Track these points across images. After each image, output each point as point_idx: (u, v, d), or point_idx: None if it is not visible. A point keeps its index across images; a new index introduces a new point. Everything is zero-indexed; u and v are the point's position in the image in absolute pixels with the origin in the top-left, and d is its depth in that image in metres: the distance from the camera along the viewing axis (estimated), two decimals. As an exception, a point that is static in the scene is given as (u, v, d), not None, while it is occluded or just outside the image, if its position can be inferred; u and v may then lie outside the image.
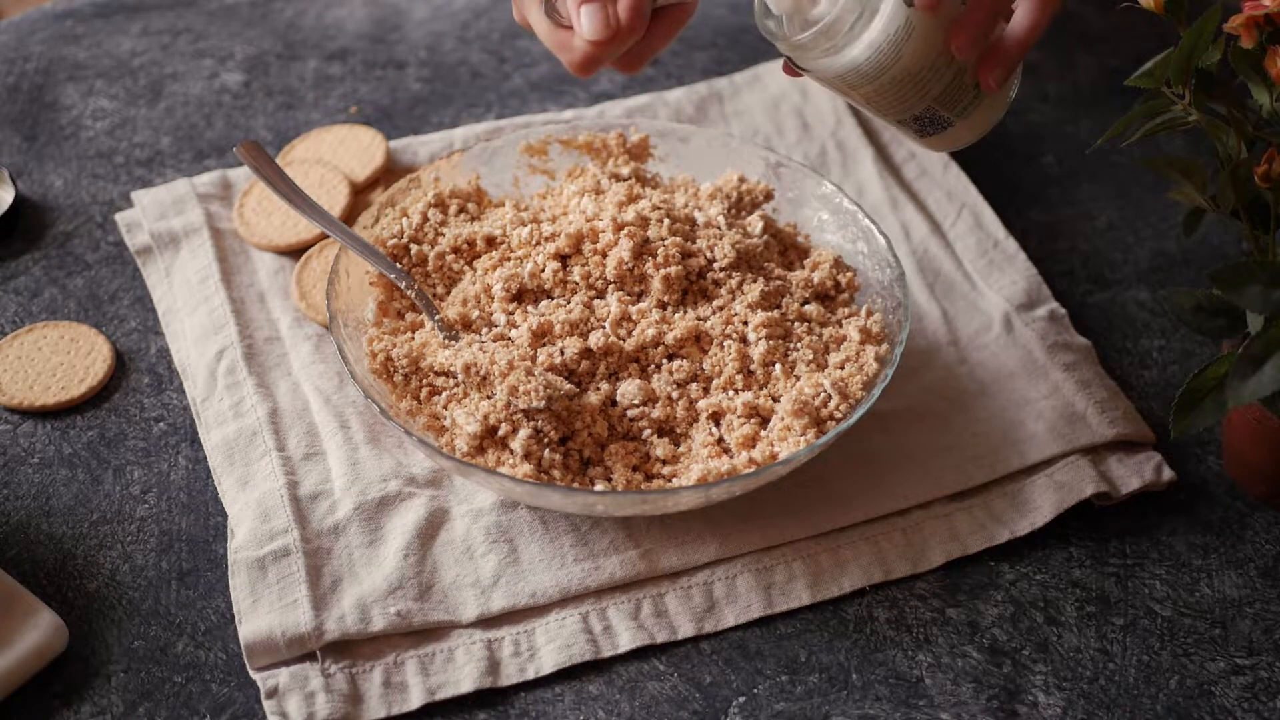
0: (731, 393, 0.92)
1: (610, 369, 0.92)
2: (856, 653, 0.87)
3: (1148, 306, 1.07)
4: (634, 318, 0.93)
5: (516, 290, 0.94)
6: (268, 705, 0.83)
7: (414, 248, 0.98)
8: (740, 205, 1.02)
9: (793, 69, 0.89)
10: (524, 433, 0.87)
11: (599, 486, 0.88)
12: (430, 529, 0.91)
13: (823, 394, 0.90)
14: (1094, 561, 0.91)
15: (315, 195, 1.09)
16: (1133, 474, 0.94)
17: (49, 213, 1.12)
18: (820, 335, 0.95)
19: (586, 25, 0.85)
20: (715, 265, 0.96)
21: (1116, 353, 1.04)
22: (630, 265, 0.94)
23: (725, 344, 0.93)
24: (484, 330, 0.94)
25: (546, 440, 0.88)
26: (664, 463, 0.90)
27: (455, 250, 0.98)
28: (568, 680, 0.85)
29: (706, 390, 0.92)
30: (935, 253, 1.09)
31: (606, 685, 0.85)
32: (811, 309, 0.96)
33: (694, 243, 0.96)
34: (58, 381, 0.99)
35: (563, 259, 0.96)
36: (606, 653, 0.86)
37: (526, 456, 0.88)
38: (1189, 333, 1.04)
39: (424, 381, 0.92)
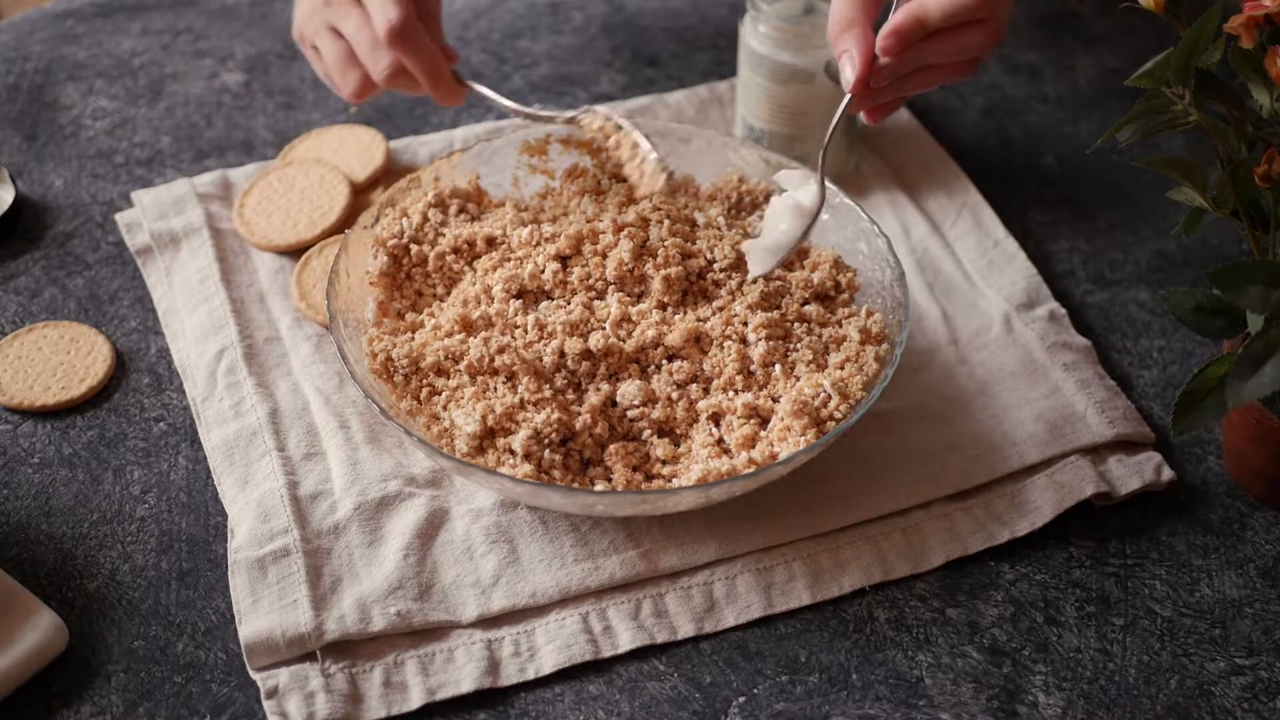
0: (731, 393, 0.92)
1: (610, 370, 0.92)
2: (856, 653, 0.87)
3: (1148, 306, 1.07)
4: (634, 319, 0.93)
5: (517, 291, 0.94)
6: (268, 705, 0.83)
7: (414, 248, 0.98)
8: (740, 205, 1.02)
9: None
10: (524, 433, 0.87)
11: (599, 486, 0.88)
12: (430, 529, 0.91)
13: (822, 394, 0.90)
14: (1094, 561, 0.91)
15: (315, 195, 1.09)
16: (1133, 474, 0.94)
17: (49, 213, 1.12)
18: (820, 335, 0.95)
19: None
20: (715, 266, 0.96)
21: (1116, 353, 1.04)
22: (630, 266, 0.94)
23: (725, 345, 0.93)
24: (486, 330, 0.94)
25: (547, 440, 0.88)
26: (664, 463, 0.90)
27: (455, 250, 0.98)
28: (568, 680, 0.85)
29: (706, 391, 0.92)
30: (935, 253, 1.09)
31: (606, 685, 0.85)
32: (811, 309, 0.96)
33: (694, 243, 0.96)
34: (58, 381, 0.99)
35: (563, 260, 0.96)
36: (606, 653, 0.86)
37: (526, 456, 0.88)
38: (1189, 333, 1.04)
39: (424, 381, 0.92)
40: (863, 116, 0.96)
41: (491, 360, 0.90)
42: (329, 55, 1.00)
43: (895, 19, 0.90)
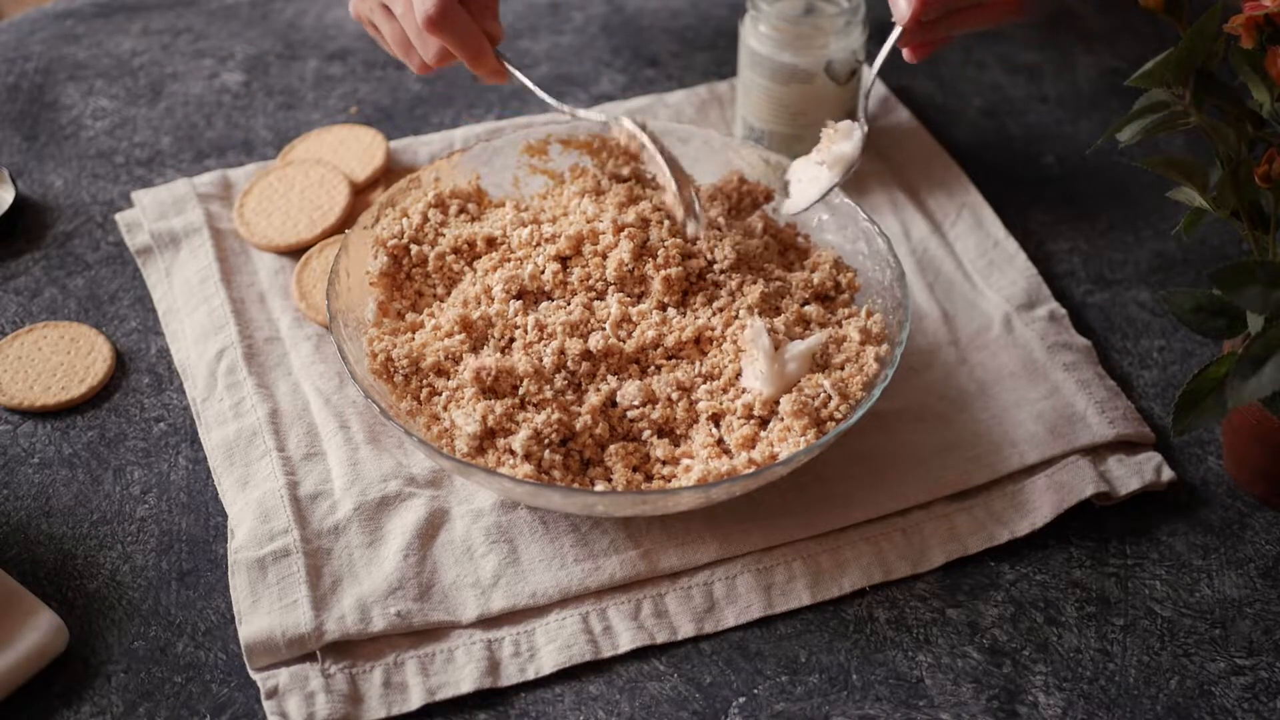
0: (731, 393, 0.92)
1: (610, 370, 0.92)
2: (856, 653, 0.87)
3: (1148, 306, 1.07)
4: (634, 319, 0.93)
5: (517, 291, 0.94)
6: (268, 705, 0.83)
7: (414, 248, 0.98)
8: (740, 205, 1.02)
9: None
10: (524, 433, 0.87)
11: (599, 487, 0.88)
12: (430, 529, 0.91)
13: (823, 394, 0.90)
14: (1094, 561, 0.91)
15: (315, 195, 1.09)
16: (1133, 474, 0.94)
17: (49, 213, 1.12)
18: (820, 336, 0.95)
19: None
20: (715, 266, 0.96)
21: (1116, 353, 1.04)
22: (630, 266, 0.94)
23: (725, 345, 0.93)
24: (482, 346, 0.94)
25: (547, 441, 0.88)
26: (664, 463, 0.90)
27: (455, 251, 0.98)
28: (568, 680, 0.85)
29: (708, 392, 0.92)
30: (935, 253, 1.09)
31: (606, 685, 0.85)
32: (811, 310, 0.96)
33: (694, 244, 0.96)
34: (58, 381, 0.99)
35: (563, 260, 0.96)
36: (606, 653, 0.86)
37: (527, 457, 0.88)
38: (1189, 333, 1.04)
39: (424, 382, 0.92)
40: (905, 53, 0.95)
41: (490, 379, 0.90)
42: (387, 35, 1.01)
43: None
